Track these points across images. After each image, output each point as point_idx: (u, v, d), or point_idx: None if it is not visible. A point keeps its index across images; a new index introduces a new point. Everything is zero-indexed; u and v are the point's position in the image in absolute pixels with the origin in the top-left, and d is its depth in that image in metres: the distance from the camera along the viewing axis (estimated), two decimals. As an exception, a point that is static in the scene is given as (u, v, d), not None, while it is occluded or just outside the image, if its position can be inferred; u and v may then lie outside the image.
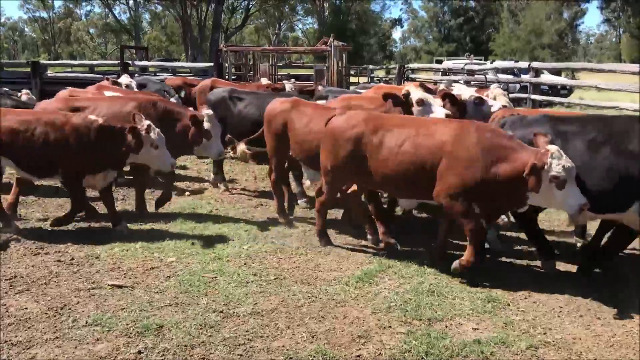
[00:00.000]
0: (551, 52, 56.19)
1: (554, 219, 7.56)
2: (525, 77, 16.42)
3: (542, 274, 5.71)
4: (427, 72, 25.91)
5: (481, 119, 6.67)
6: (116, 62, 20.72)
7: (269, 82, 15.25)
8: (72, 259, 5.87)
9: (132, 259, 5.89)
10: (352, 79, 28.75)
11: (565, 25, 60.91)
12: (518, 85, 20.69)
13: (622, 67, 15.35)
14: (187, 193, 8.87)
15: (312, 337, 4.33)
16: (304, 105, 7.21)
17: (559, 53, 56.62)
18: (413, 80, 20.75)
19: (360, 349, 4.19)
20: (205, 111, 7.57)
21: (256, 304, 4.86)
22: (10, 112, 6.82)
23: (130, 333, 4.31)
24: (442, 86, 11.59)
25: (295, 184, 8.41)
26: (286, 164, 7.65)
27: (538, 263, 5.95)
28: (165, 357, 4.02)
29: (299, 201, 8.22)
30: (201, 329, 4.39)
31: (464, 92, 7.48)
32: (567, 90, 25.40)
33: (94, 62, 25.06)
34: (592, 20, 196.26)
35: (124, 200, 8.38)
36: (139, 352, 4.06)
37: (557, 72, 26.19)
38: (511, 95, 12.23)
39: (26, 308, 4.72)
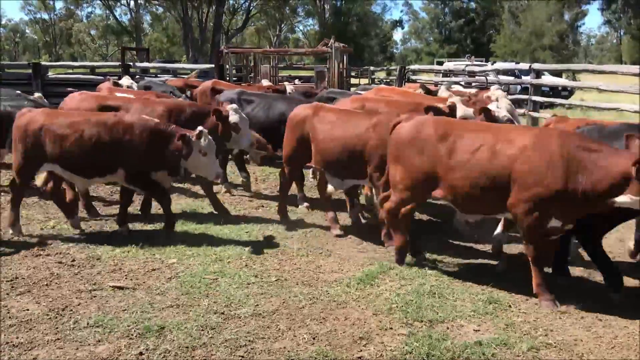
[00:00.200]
0: (552, 53, 56.17)
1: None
2: (526, 79, 16.42)
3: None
4: (428, 73, 25.90)
5: None
6: (117, 63, 20.76)
7: (270, 83, 15.28)
8: (74, 260, 5.87)
9: (134, 260, 5.89)
10: (353, 81, 28.73)
11: (566, 27, 60.87)
12: (519, 87, 20.69)
13: (623, 68, 15.33)
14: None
15: (314, 338, 4.33)
16: (327, 110, 7.05)
17: (560, 54, 56.58)
18: (414, 81, 20.75)
19: (361, 350, 4.18)
20: (229, 105, 7.56)
21: (257, 305, 4.86)
22: (58, 114, 6.73)
23: (132, 334, 4.31)
24: (443, 88, 11.63)
25: (298, 188, 8.40)
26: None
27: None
28: (166, 359, 4.02)
29: (299, 205, 8.22)
30: (202, 330, 4.40)
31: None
32: (568, 92, 25.40)
33: (95, 64, 25.10)
34: (593, 22, 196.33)
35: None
36: (141, 354, 4.06)
37: (558, 73, 26.15)
38: (512, 97, 12.24)
39: (27, 309, 4.73)
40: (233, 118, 7.44)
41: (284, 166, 7.43)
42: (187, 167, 6.56)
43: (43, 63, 18.51)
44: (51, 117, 6.55)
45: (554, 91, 24.03)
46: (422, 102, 8.28)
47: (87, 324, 4.47)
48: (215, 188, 9.06)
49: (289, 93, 11.67)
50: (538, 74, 15.74)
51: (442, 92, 11.07)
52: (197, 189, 9.12)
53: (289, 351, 4.14)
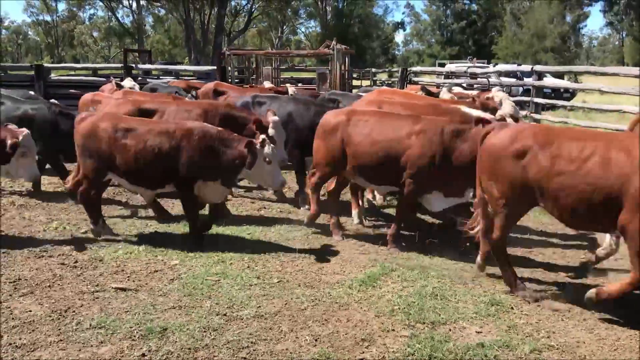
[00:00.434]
0: (554, 55, 56.20)
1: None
2: (528, 81, 16.42)
3: (545, 277, 5.70)
4: (430, 75, 25.90)
5: None
6: (119, 65, 20.78)
7: (272, 85, 15.29)
8: (76, 261, 5.88)
9: (136, 262, 5.90)
10: (355, 82, 28.76)
11: (568, 29, 60.88)
12: (521, 89, 20.70)
13: (625, 70, 15.33)
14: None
15: (316, 340, 4.33)
16: (362, 114, 6.83)
17: (562, 56, 56.58)
18: (416, 83, 20.75)
19: (363, 352, 4.18)
20: (272, 118, 7.44)
21: (259, 307, 4.86)
22: (122, 119, 6.64)
23: (134, 336, 4.31)
24: (444, 89, 11.64)
25: (300, 189, 8.41)
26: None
27: (540, 266, 5.96)
28: (169, 360, 4.03)
29: (301, 207, 8.22)
30: (205, 331, 4.40)
31: None
32: (569, 94, 25.37)
33: (97, 65, 25.15)
34: (595, 24, 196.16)
35: (128, 201, 8.40)
36: (143, 355, 4.06)
37: (560, 75, 26.13)
38: (514, 99, 12.23)
39: (30, 311, 4.73)
40: (271, 131, 7.22)
41: (314, 173, 7.14)
42: (249, 177, 6.47)
43: (46, 65, 18.53)
44: (115, 123, 6.42)
45: (556, 93, 24.01)
46: (438, 105, 8.22)
47: (90, 325, 4.47)
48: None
49: (291, 95, 11.66)
50: (540, 75, 15.75)
51: (444, 94, 11.08)
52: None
53: (291, 353, 4.15)
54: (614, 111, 13.66)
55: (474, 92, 11.54)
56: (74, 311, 4.73)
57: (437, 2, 75.43)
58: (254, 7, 59.53)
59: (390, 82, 28.12)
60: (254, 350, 4.17)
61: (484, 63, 34.57)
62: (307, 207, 8.21)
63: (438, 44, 74.51)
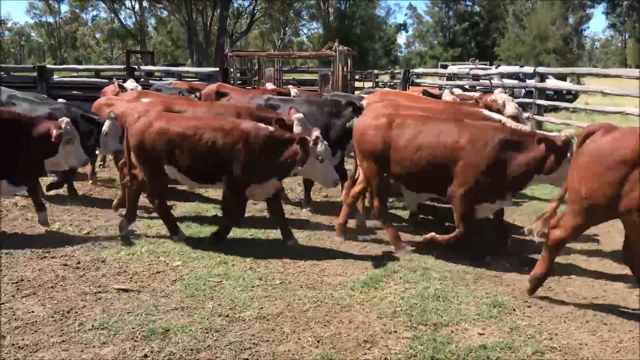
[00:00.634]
0: (556, 57, 56.19)
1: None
2: (531, 82, 16.41)
3: (548, 279, 5.68)
4: (432, 77, 25.90)
5: None
6: (122, 66, 20.83)
7: (274, 86, 15.29)
8: (79, 262, 5.89)
9: (138, 263, 5.90)
10: (357, 84, 28.77)
11: (571, 30, 60.89)
12: (523, 90, 20.67)
13: (627, 72, 15.32)
14: None
15: (318, 341, 4.33)
16: (406, 118, 6.49)
17: (565, 58, 56.58)
18: (418, 85, 20.76)
19: (365, 353, 4.18)
20: (296, 115, 7.44)
21: (262, 308, 4.86)
22: (177, 117, 6.69)
23: (137, 337, 4.32)
24: (446, 91, 11.64)
25: (305, 193, 8.41)
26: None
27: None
28: (171, 361, 4.04)
29: (304, 209, 8.22)
30: (207, 333, 4.40)
31: None
32: (572, 96, 25.37)
33: (100, 67, 25.24)
34: (598, 25, 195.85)
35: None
36: (145, 356, 4.07)
37: (562, 77, 26.14)
38: (516, 101, 12.23)
39: (33, 311, 4.74)
40: (297, 129, 7.17)
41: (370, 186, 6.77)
42: (301, 173, 6.42)
43: (48, 66, 18.58)
44: (169, 120, 6.50)
45: (559, 95, 24.01)
46: (459, 108, 8.12)
47: (92, 326, 4.48)
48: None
49: (293, 97, 11.66)
50: (542, 77, 15.74)
51: (446, 96, 11.09)
52: (202, 191, 9.15)
53: (293, 354, 4.15)
54: (617, 113, 13.65)
55: (476, 94, 11.57)
56: (76, 312, 4.74)
57: (440, 3, 75.49)
58: (256, 8, 59.69)
59: (392, 83, 28.15)
60: (256, 351, 4.17)
61: (486, 65, 34.61)
62: (308, 208, 8.23)
63: (440, 45, 74.56)
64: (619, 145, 4.66)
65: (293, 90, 11.89)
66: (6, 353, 4.08)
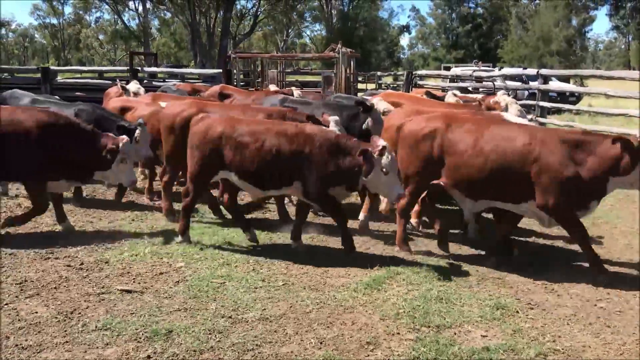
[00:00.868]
0: (560, 59, 56.04)
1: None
2: (534, 84, 16.39)
3: (551, 281, 5.68)
4: (435, 78, 25.90)
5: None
6: (125, 68, 20.86)
7: (277, 88, 15.31)
8: (82, 263, 5.90)
9: (141, 264, 5.91)
10: (360, 86, 28.76)
11: (574, 32, 60.72)
12: (526, 92, 20.64)
13: (631, 74, 15.30)
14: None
15: (321, 343, 4.33)
16: (464, 122, 6.22)
17: (568, 60, 56.44)
18: (421, 87, 20.76)
19: (368, 355, 4.19)
20: (332, 117, 7.38)
21: (265, 309, 4.87)
22: (238, 122, 6.46)
23: (140, 338, 4.33)
24: (449, 93, 11.64)
25: None
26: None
27: (545, 269, 5.95)
28: (174, 362, 4.04)
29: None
30: (210, 334, 4.41)
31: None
32: (575, 98, 25.35)
33: (103, 68, 25.23)
34: (601, 27, 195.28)
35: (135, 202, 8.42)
36: (148, 357, 4.08)
37: (565, 79, 26.12)
38: (519, 102, 12.22)
39: (36, 312, 4.75)
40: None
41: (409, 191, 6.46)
42: (366, 185, 6.09)
43: (52, 68, 18.63)
44: (232, 124, 6.37)
45: (562, 97, 23.98)
46: (481, 112, 8.01)
47: (96, 327, 4.49)
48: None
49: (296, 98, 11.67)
50: (545, 79, 15.72)
51: (449, 98, 11.09)
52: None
53: (296, 355, 4.15)
54: (620, 115, 13.62)
55: (479, 96, 11.56)
56: (79, 313, 4.75)
57: (443, 5, 75.46)
58: (259, 10, 59.69)
59: (395, 85, 28.13)
60: (259, 352, 4.17)
61: (489, 66, 34.57)
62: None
63: (443, 47, 74.50)
64: None
65: (296, 92, 11.90)
66: (10, 353, 4.09)
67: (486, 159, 5.81)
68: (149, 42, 67.85)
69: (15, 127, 6.51)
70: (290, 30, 75.56)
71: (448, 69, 36.20)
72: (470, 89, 20.22)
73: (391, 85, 28.65)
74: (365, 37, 67.99)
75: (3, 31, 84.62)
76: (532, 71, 18.35)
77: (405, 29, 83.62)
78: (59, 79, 18.15)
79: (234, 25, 57.54)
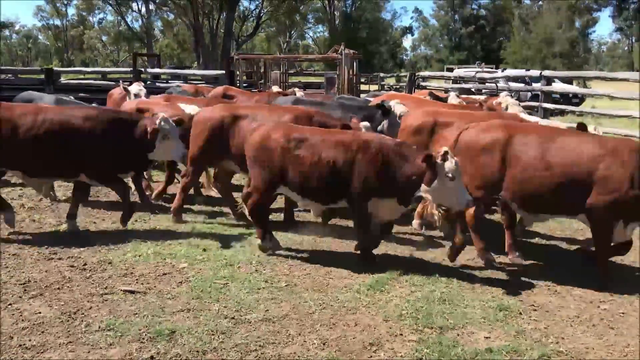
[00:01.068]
0: (563, 60, 56.02)
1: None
2: (537, 86, 16.40)
3: (554, 283, 5.67)
4: (438, 80, 25.87)
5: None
6: (128, 69, 20.88)
7: (280, 89, 15.34)
8: (85, 264, 5.91)
9: (144, 264, 5.92)
10: (363, 87, 28.77)
11: (577, 34, 60.75)
12: (529, 94, 20.66)
13: (634, 75, 15.27)
14: None
15: (323, 344, 4.34)
16: (529, 131, 5.90)
17: (571, 62, 56.41)
18: (424, 88, 20.76)
19: (371, 356, 4.19)
20: (363, 123, 7.32)
21: (267, 310, 4.87)
22: (295, 130, 6.18)
23: (143, 338, 4.33)
24: (452, 94, 11.64)
25: None
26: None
27: (547, 270, 5.94)
28: (177, 363, 4.05)
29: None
30: (213, 334, 4.41)
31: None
32: (578, 99, 25.30)
33: (107, 70, 25.29)
34: (604, 29, 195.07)
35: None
36: (152, 358, 4.08)
37: (568, 80, 26.07)
38: (522, 104, 12.22)
39: (40, 312, 4.77)
40: None
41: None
42: (428, 195, 5.62)
43: (55, 69, 18.68)
44: (289, 133, 6.07)
45: (565, 98, 23.96)
46: (500, 115, 7.91)
47: (99, 327, 4.50)
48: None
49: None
50: (548, 81, 15.74)
51: (452, 99, 11.09)
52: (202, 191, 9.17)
53: (299, 356, 4.15)
54: (623, 116, 13.60)
55: (482, 97, 11.56)
56: (83, 313, 4.76)
57: (446, 7, 75.49)
58: (262, 11, 59.74)
59: (398, 86, 28.13)
60: (261, 353, 4.18)
61: (492, 68, 34.54)
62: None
63: (446, 48, 74.50)
64: None
65: (298, 93, 11.91)
66: (13, 354, 4.10)
67: (552, 173, 5.48)
68: (152, 43, 68.04)
69: (90, 124, 6.63)
70: (293, 32, 75.60)
71: (451, 70, 36.16)
72: (473, 90, 20.22)
73: (394, 87, 28.65)
74: (368, 39, 67.96)
75: (7, 32, 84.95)
76: (535, 73, 18.30)
77: (408, 30, 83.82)
78: (63, 80, 18.19)
79: (236, 27, 57.53)
